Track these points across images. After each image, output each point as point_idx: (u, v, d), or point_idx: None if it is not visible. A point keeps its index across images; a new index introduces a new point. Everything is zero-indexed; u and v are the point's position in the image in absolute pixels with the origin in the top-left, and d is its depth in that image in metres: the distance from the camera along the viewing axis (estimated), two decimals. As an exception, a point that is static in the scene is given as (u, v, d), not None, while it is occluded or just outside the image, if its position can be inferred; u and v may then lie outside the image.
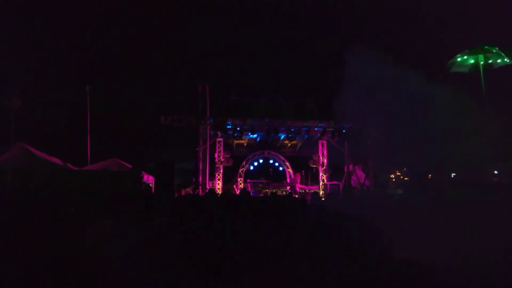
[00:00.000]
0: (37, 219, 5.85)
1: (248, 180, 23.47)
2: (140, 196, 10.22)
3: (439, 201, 7.97)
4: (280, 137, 22.74)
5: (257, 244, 5.17)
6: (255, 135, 22.75)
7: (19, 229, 5.38)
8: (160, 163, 12.64)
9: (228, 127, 20.55)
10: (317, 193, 20.54)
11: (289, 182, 23.97)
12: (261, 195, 21.03)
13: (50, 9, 22.75)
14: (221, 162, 22.07)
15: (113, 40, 24.67)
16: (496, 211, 6.74)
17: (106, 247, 4.95)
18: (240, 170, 24.35)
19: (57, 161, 14.43)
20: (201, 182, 19.04)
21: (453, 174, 16.30)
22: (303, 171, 24.41)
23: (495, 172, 16.39)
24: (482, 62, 13.14)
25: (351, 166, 21.31)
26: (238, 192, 21.42)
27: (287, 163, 25.18)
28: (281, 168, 25.52)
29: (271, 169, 23.65)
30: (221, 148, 22.36)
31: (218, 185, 21.76)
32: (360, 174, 21.51)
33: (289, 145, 24.98)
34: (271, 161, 25.48)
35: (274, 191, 21.49)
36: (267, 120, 20.19)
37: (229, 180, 23.46)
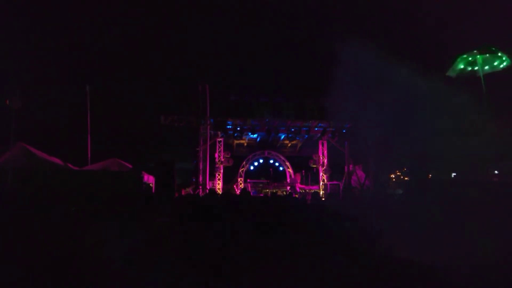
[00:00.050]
0: (37, 219, 5.85)
1: (248, 180, 23.48)
2: (140, 196, 10.23)
3: (439, 201, 7.97)
4: (280, 137, 22.75)
5: (257, 244, 5.17)
6: (255, 135, 22.76)
7: (19, 229, 5.38)
8: (161, 163, 12.64)
9: (228, 127, 20.57)
10: (317, 193, 20.54)
11: (289, 182, 23.97)
12: (261, 195, 21.03)
13: (50, 9, 22.76)
14: (221, 162, 22.08)
15: (113, 40, 24.67)
16: (496, 211, 6.73)
17: (106, 247, 4.95)
18: (240, 170, 24.35)
19: (57, 161, 14.44)
20: (201, 182, 19.04)
21: (453, 174, 16.31)
22: (303, 171, 24.41)
23: (495, 172, 16.39)
24: (480, 63, 13.16)
25: (351, 166, 21.30)
26: (238, 192, 21.42)
27: (287, 163, 25.18)
28: (281, 168, 25.52)
29: (271, 169, 23.65)
30: (221, 148, 22.37)
31: (219, 185, 21.76)
32: (360, 174, 21.50)
33: (289, 145, 24.99)
34: (271, 161, 25.48)
35: (274, 191, 21.50)
36: (267, 120, 20.20)
37: (229, 180, 23.47)
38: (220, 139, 22.21)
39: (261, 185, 22.75)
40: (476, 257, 4.71)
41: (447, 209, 7.30)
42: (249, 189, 21.20)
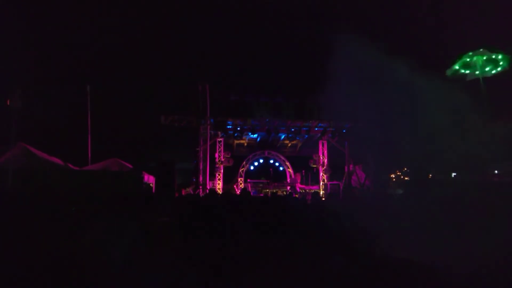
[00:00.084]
0: (37, 219, 5.85)
1: (248, 180, 23.48)
2: (140, 196, 10.23)
3: (439, 201, 7.96)
4: (280, 137, 22.75)
5: (257, 244, 5.17)
6: (255, 135, 22.77)
7: (19, 229, 5.38)
8: (161, 163, 12.64)
9: (229, 127, 20.57)
10: (317, 193, 20.53)
11: (289, 182, 23.97)
12: (262, 195, 21.04)
13: (51, 9, 22.77)
14: (222, 162, 22.09)
15: (114, 40, 24.66)
16: (496, 211, 6.73)
17: (106, 247, 4.95)
18: (240, 170, 24.36)
19: (57, 161, 14.44)
20: (201, 182, 19.05)
21: (453, 174, 16.30)
22: (303, 171, 24.42)
23: (496, 172, 16.39)
24: (480, 64, 13.18)
25: (351, 166, 21.31)
26: (238, 192, 21.43)
27: (288, 163, 25.19)
28: (281, 168, 25.53)
29: (271, 169, 23.66)
30: (222, 148, 22.38)
31: (219, 185, 21.77)
32: (361, 174, 21.51)
33: (289, 145, 25.00)
34: (271, 161, 25.49)
35: (274, 191, 21.50)
36: (267, 120, 20.19)
37: (229, 180, 23.47)
38: (220, 139, 22.22)
39: (261, 185, 22.75)
40: (476, 257, 4.71)
41: (447, 209, 7.30)
42: (249, 189, 21.21)
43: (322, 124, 20.93)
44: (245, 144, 25.17)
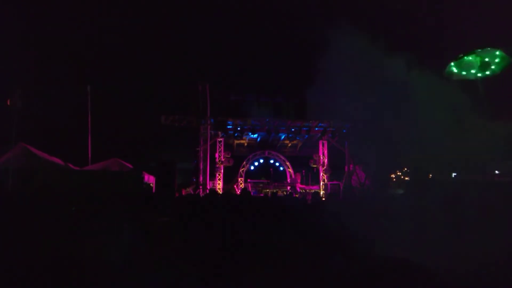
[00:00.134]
0: (37, 219, 5.86)
1: (248, 180, 23.50)
2: (140, 196, 10.23)
3: (439, 201, 7.96)
4: (280, 137, 22.76)
5: (257, 244, 5.17)
6: (255, 135, 22.77)
7: (19, 229, 5.39)
8: (161, 163, 12.64)
9: (229, 127, 20.58)
10: (317, 193, 20.53)
11: (289, 182, 23.98)
12: (262, 195, 21.04)
13: (51, 9, 22.78)
14: (222, 162, 22.09)
15: (114, 40, 24.68)
16: (496, 211, 6.73)
17: (106, 247, 4.95)
18: (240, 170, 24.36)
19: (58, 161, 14.45)
20: (201, 182, 19.05)
21: (453, 174, 16.28)
22: (303, 171, 24.42)
23: (496, 172, 16.37)
24: (477, 64, 13.18)
25: (351, 166, 21.31)
26: (238, 192, 21.43)
27: (288, 163, 25.19)
28: (281, 168, 25.53)
29: (271, 169, 23.67)
30: (222, 148, 22.38)
31: (219, 185, 21.77)
32: (361, 173, 21.49)
33: (289, 145, 24.99)
34: (271, 161, 25.49)
35: (274, 191, 21.49)
36: (267, 120, 20.20)
37: (229, 180, 23.48)
38: (221, 139, 22.23)
39: (261, 185, 22.77)
40: (476, 257, 4.70)
41: (447, 209, 7.29)
42: (250, 189, 21.21)
43: (322, 124, 20.93)
44: (245, 144, 25.17)
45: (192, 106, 19.22)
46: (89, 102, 17.06)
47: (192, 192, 17.64)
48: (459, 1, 21.55)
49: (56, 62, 22.25)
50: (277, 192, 21.37)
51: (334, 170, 22.67)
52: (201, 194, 17.18)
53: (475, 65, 13.65)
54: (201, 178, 19.13)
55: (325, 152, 22.98)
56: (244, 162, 24.68)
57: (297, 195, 19.67)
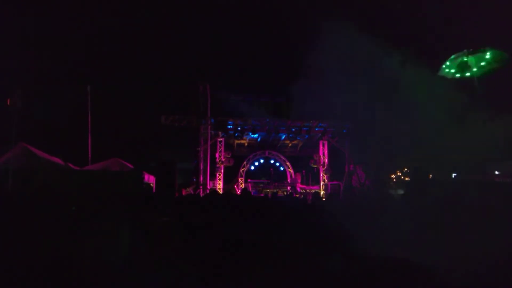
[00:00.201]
0: (37, 219, 5.86)
1: (249, 180, 23.50)
2: (140, 196, 10.23)
3: (439, 201, 7.95)
4: (281, 137, 22.76)
5: (257, 244, 5.17)
6: (256, 135, 22.77)
7: (19, 229, 5.39)
8: (161, 163, 12.63)
9: (229, 127, 20.59)
10: (318, 193, 20.54)
11: (290, 182, 23.98)
12: (262, 195, 21.05)
13: (51, 8, 22.78)
14: (222, 162, 22.09)
15: (114, 40, 24.70)
16: (496, 211, 6.72)
17: (106, 247, 4.95)
18: (241, 170, 24.37)
19: (58, 161, 14.44)
20: (202, 182, 19.05)
21: (453, 174, 16.29)
22: (304, 171, 24.43)
23: (496, 172, 16.37)
24: (473, 64, 13.17)
25: (351, 166, 21.31)
26: (239, 192, 21.43)
27: (288, 163, 25.19)
28: (282, 168, 25.53)
29: (272, 169, 23.68)
30: (222, 148, 22.38)
31: (219, 185, 21.78)
32: (361, 173, 21.48)
33: (290, 145, 24.99)
34: (272, 161, 25.50)
35: (275, 191, 21.51)
36: (268, 120, 20.20)
37: (230, 180, 23.49)
38: (221, 139, 22.23)
39: (261, 185, 22.78)
40: (476, 257, 4.70)
41: (447, 209, 7.29)
42: (250, 189, 21.22)
43: (322, 124, 20.94)
44: (246, 144, 25.17)
45: (192, 106, 19.22)
46: (89, 102, 17.06)
47: (192, 192, 17.64)
48: (459, 1, 21.54)
49: (56, 62, 22.24)
50: (277, 192, 21.39)
51: (335, 170, 22.69)
52: (201, 194, 17.18)
53: (474, 65, 13.64)
54: (201, 178, 19.13)
55: (326, 152, 22.99)
56: (245, 162, 24.68)
57: (297, 195, 19.67)
